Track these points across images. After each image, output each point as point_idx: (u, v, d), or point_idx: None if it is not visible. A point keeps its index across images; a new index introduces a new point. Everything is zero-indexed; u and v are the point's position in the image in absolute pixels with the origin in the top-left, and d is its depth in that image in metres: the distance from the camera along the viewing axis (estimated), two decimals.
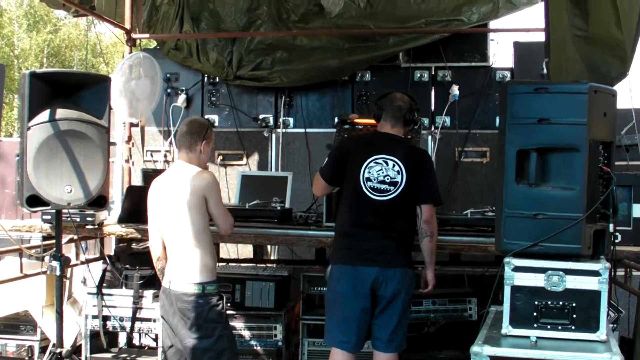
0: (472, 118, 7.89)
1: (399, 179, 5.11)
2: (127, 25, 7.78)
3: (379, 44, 8.07)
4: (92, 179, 5.17)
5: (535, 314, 3.98)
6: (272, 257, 8.11)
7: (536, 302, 3.99)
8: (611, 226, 4.16)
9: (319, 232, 5.85)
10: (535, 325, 3.98)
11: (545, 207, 4.07)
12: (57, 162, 5.04)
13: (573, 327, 3.94)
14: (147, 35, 8.29)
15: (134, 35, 7.86)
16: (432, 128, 7.86)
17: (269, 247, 8.01)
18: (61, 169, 5.05)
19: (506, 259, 4.07)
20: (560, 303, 3.95)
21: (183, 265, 4.96)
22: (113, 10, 8.10)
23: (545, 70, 5.93)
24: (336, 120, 7.80)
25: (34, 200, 5.01)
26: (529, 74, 7.74)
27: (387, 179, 5.12)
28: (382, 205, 5.13)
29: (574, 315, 3.94)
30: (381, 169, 5.13)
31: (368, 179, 5.14)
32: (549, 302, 3.97)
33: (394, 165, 5.13)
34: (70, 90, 5.15)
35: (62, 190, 5.06)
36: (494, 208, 5.93)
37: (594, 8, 5.31)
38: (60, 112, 5.03)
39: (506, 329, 4.01)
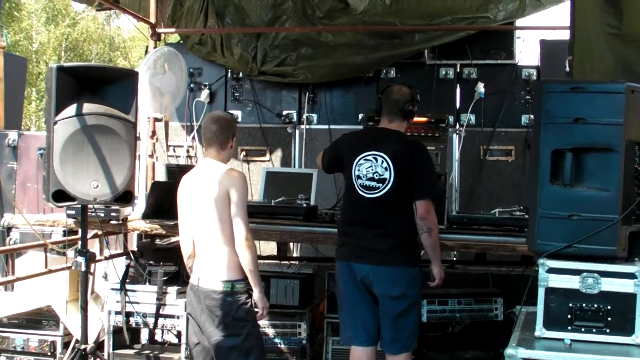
0: (498, 116, 7.86)
1: (387, 175, 5.06)
2: (152, 20, 7.77)
3: (404, 41, 8.05)
4: (119, 175, 5.15)
5: (569, 316, 3.93)
6: (294, 255, 8.08)
7: (570, 305, 3.94)
8: None
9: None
10: (569, 327, 3.93)
11: (580, 208, 4.01)
12: (84, 157, 5.01)
13: (608, 330, 3.89)
14: (172, 30, 8.29)
15: (159, 30, 7.86)
16: (457, 126, 7.82)
17: (291, 244, 7.98)
18: (88, 164, 5.03)
19: (540, 260, 4.03)
20: (595, 306, 3.90)
21: (212, 263, 4.94)
22: (137, 4, 8.08)
23: (568, 68, 5.87)
24: (360, 116, 7.86)
25: (60, 195, 4.98)
26: (555, 72, 7.67)
27: (376, 175, 5.08)
28: (372, 202, 5.10)
29: (609, 318, 3.89)
30: (370, 166, 5.11)
31: (358, 177, 5.14)
32: (584, 305, 3.92)
33: (382, 162, 5.09)
34: (97, 85, 5.12)
35: (88, 185, 5.03)
36: (522, 207, 5.92)
37: (628, 6, 5.25)
38: (87, 107, 5.00)
39: (540, 331, 3.97)
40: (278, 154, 8.20)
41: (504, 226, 5.82)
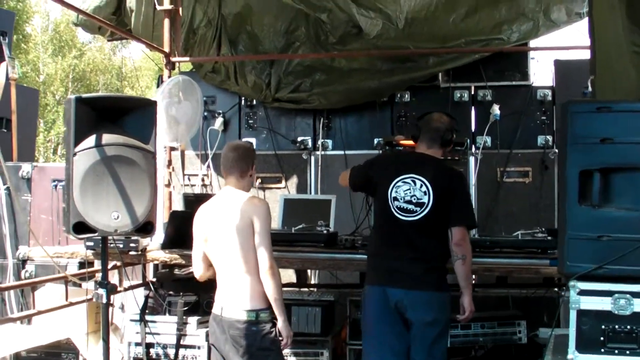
0: (514, 138, 7.86)
1: (425, 199, 5.05)
2: (166, 49, 7.77)
3: (418, 65, 8.07)
4: (139, 205, 5.11)
5: (602, 338, 3.89)
6: (312, 281, 8.05)
7: (603, 327, 3.90)
8: None
9: (364, 256, 5.76)
10: (602, 350, 3.88)
11: (610, 228, 3.98)
12: (104, 187, 4.96)
13: None
14: (187, 59, 8.29)
15: (173, 59, 7.85)
16: (473, 149, 7.79)
17: (309, 271, 7.95)
18: (108, 195, 4.98)
19: (571, 283, 3.99)
20: (628, 327, 3.86)
21: (235, 292, 4.91)
22: (150, 34, 8.08)
23: (590, 88, 5.86)
24: (376, 141, 7.88)
25: (81, 227, 4.93)
26: (571, 92, 7.66)
27: (414, 199, 5.06)
28: (408, 225, 5.07)
29: None
30: (409, 189, 5.09)
31: (395, 199, 5.10)
32: (617, 326, 3.88)
33: (421, 186, 5.07)
34: (116, 115, 5.09)
35: (109, 216, 4.99)
36: (543, 229, 5.88)
37: None
38: (106, 137, 4.96)
39: (572, 354, 3.92)
40: (294, 181, 8.19)
41: (527, 248, 5.79)
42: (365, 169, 5.42)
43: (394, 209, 5.10)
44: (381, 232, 5.22)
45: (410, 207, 5.06)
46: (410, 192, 5.08)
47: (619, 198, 4.01)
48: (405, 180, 5.12)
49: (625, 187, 4.00)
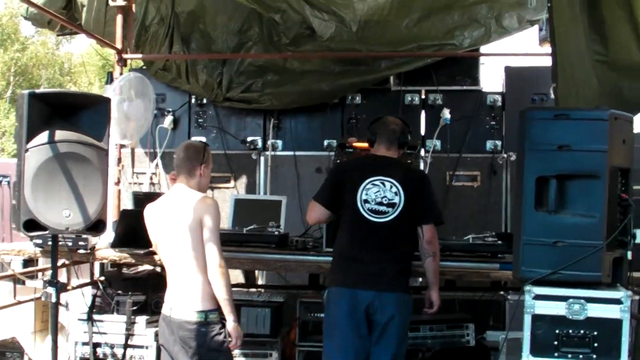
0: (463, 142, 7.89)
1: (397, 200, 5.08)
2: (118, 45, 7.67)
3: (370, 68, 8.07)
4: (91, 203, 5.04)
5: (556, 342, 3.96)
6: (260, 282, 8.01)
7: (557, 331, 3.96)
8: (629, 253, 4.14)
9: (319, 258, 5.76)
10: (556, 354, 3.95)
11: (565, 234, 4.06)
12: (56, 185, 4.89)
13: (594, 356, 3.93)
14: (139, 56, 8.19)
15: (125, 56, 7.76)
16: (423, 152, 7.83)
17: (256, 271, 7.91)
18: (60, 193, 4.90)
19: (526, 287, 4.05)
20: (582, 332, 3.93)
21: (185, 293, 4.86)
22: (101, 30, 7.97)
23: (552, 95, 5.90)
24: (326, 142, 7.89)
25: (31, 225, 4.85)
26: (520, 99, 7.79)
27: (385, 200, 5.09)
28: (380, 227, 5.09)
29: (596, 344, 3.93)
30: (379, 191, 5.11)
31: (366, 201, 5.11)
32: (570, 331, 3.95)
33: (391, 187, 5.11)
34: (70, 112, 5.01)
35: (60, 214, 4.91)
36: (493, 233, 5.94)
37: (612, 33, 5.26)
38: (60, 134, 4.89)
39: (527, 357, 3.98)
40: (243, 181, 8.13)
41: (477, 252, 5.82)
42: (331, 181, 5.38)
43: (364, 211, 5.11)
44: (351, 235, 5.18)
45: (382, 208, 5.09)
46: (380, 194, 5.10)
47: (575, 204, 4.08)
48: (374, 182, 5.14)
49: (580, 193, 4.08)
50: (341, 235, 5.27)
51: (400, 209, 5.08)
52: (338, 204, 5.26)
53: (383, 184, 5.12)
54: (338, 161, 6.32)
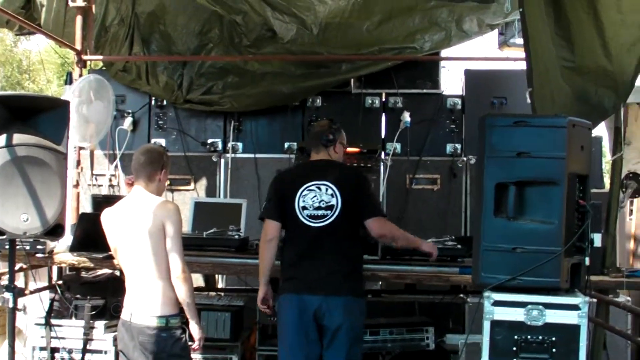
0: (423, 145, 7.91)
1: (334, 202, 5.12)
2: (78, 46, 7.60)
3: (331, 70, 8.07)
4: (49, 207, 4.97)
5: (514, 348, 3.99)
6: (220, 286, 7.98)
7: (516, 337, 4.00)
8: (587, 259, 4.19)
9: (278, 262, 5.73)
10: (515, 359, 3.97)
11: (524, 240, 4.09)
12: (13, 189, 4.82)
13: None
14: (99, 57, 8.11)
15: (84, 57, 7.69)
16: (383, 155, 7.83)
17: (216, 275, 7.88)
18: (17, 197, 4.83)
19: (485, 293, 4.07)
20: (540, 337, 3.97)
21: (145, 298, 4.83)
22: (61, 30, 7.89)
23: (528, 100, 5.86)
24: (286, 145, 7.90)
25: None
26: (480, 102, 7.86)
27: (323, 204, 5.13)
28: (321, 231, 5.13)
29: (554, 350, 3.96)
30: (315, 195, 5.16)
31: (304, 208, 5.16)
32: (529, 337, 3.99)
33: (327, 189, 5.15)
34: (28, 114, 4.93)
35: (18, 219, 4.84)
36: (453, 237, 5.97)
37: (578, 38, 5.31)
38: (18, 137, 4.81)
39: None
40: (203, 183, 8.09)
41: (437, 256, 5.84)
42: (272, 191, 5.42)
43: (304, 217, 5.15)
44: (295, 243, 5.23)
45: (320, 212, 5.12)
46: (317, 198, 5.14)
47: (533, 211, 4.12)
48: (310, 188, 5.18)
49: (539, 200, 4.12)
50: (287, 245, 5.31)
51: (338, 210, 5.12)
52: (284, 213, 5.30)
53: (319, 188, 5.17)
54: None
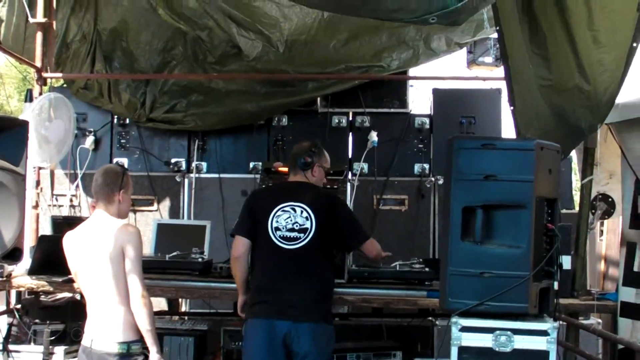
0: (391, 165, 7.92)
1: (308, 225, 5.11)
2: (38, 64, 7.55)
3: (297, 89, 8.07)
4: (7, 231, 4.96)
5: None
6: (184, 309, 7.93)
7: None
8: (555, 284, 4.20)
9: None
10: None
11: (492, 265, 4.10)
12: None
13: None
14: (59, 75, 8.03)
15: (45, 75, 7.63)
16: (350, 175, 7.83)
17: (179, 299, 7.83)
18: None
19: (453, 319, 4.07)
20: None
21: (106, 323, 4.76)
22: (21, 46, 7.85)
23: (512, 118, 5.81)
24: (251, 165, 7.87)
25: None
26: (448, 121, 7.89)
27: (296, 226, 5.12)
28: (293, 254, 5.11)
29: None
30: (289, 217, 5.14)
31: (277, 229, 5.14)
32: None
33: (302, 212, 5.15)
34: None
35: None
36: (421, 260, 5.96)
37: (554, 56, 5.26)
38: None
39: None
40: (166, 204, 8.05)
41: (404, 279, 5.85)
42: (246, 209, 5.39)
43: (276, 239, 5.12)
44: (266, 265, 5.19)
45: (294, 234, 5.10)
46: (291, 220, 5.12)
47: (501, 235, 4.13)
48: (285, 209, 5.17)
49: (507, 224, 4.13)
50: (256, 267, 5.28)
51: (312, 233, 5.11)
52: (254, 234, 5.27)
53: (293, 209, 5.16)
54: (264, 185, 6.31)
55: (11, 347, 6.00)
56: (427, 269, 5.77)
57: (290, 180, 5.47)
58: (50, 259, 5.72)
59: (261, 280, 5.18)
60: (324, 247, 5.19)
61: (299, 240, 5.10)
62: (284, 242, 5.11)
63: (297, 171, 5.42)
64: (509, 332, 3.98)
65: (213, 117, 8.07)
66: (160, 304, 7.67)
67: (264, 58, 8.11)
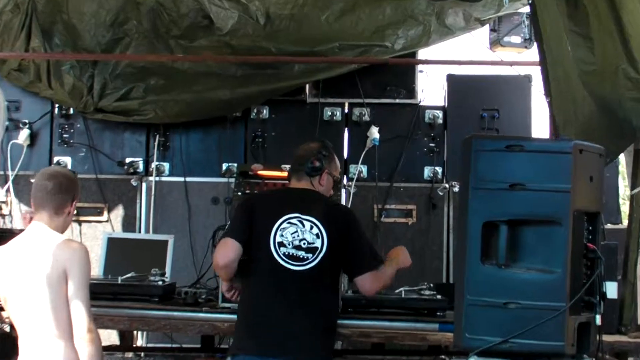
0: (396, 168, 7.95)
1: (318, 243, 5.10)
2: None
3: (281, 72, 8.01)
4: None
5: None
6: (140, 343, 7.92)
7: None
8: (598, 318, 4.18)
9: (213, 315, 5.72)
10: None
11: (519, 294, 4.07)
12: None
13: None
14: None
15: None
16: (345, 180, 7.84)
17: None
18: None
19: (470, 359, 4.06)
20: None
21: None
22: None
23: (549, 111, 5.77)
24: (225, 166, 7.85)
25: None
26: (466, 115, 7.90)
27: (304, 243, 5.10)
28: (299, 277, 5.09)
29: None
30: (296, 231, 5.11)
31: (281, 244, 5.10)
32: None
33: (311, 227, 5.12)
34: None
35: None
36: (431, 284, 5.96)
37: (597, 35, 5.18)
38: None
39: None
40: (119, 213, 8.05)
41: (411, 309, 5.85)
42: (242, 212, 5.36)
43: (279, 256, 5.09)
44: (262, 286, 5.16)
45: (301, 253, 5.09)
46: (298, 236, 5.11)
47: (531, 257, 4.11)
48: (291, 221, 5.15)
49: (537, 243, 4.11)
50: (249, 288, 5.25)
51: (322, 254, 5.09)
52: (249, 244, 5.22)
53: (302, 223, 5.14)
54: (240, 193, 6.29)
55: None
56: (439, 297, 5.78)
57: (293, 186, 5.45)
58: None
59: (255, 305, 5.16)
60: (334, 272, 5.20)
61: (307, 261, 5.09)
62: (289, 261, 5.09)
63: (302, 176, 5.40)
64: None
65: (177, 106, 8.00)
66: (111, 337, 7.65)
67: (240, 32, 7.97)
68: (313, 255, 5.09)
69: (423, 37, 8.00)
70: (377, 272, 5.27)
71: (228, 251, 5.18)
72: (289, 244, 5.10)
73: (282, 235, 5.11)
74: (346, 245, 5.18)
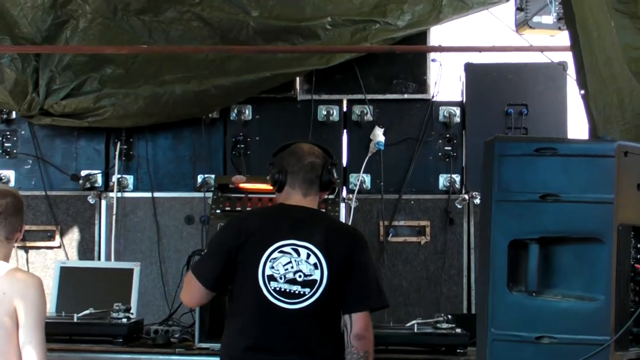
0: (405, 177, 7.95)
1: (317, 275, 5.05)
2: None
3: (265, 59, 7.79)
4: None
5: None
6: None
7: None
8: None
9: (189, 358, 5.78)
10: None
11: (553, 326, 4.07)
12: None
13: None
14: None
15: None
16: (345, 192, 7.86)
17: None
18: None
19: None
20: None
21: None
22: None
23: (584, 107, 5.70)
24: (200, 178, 7.82)
25: None
26: (488, 112, 7.87)
27: (300, 276, 5.05)
28: (293, 316, 5.06)
29: None
30: (290, 262, 5.05)
31: (271, 277, 5.05)
32: None
33: (308, 256, 5.07)
34: None
35: None
36: (449, 316, 5.98)
37: None
38: None
39: None
40: (74, 237, 8.02)
41: (426, 345, 5.88)
42: (221, 241, 5.33)
43: (269, 293, 5.05)
44: (249, 328, 5.13)
45: (296, 288, 5.04)
46: (292, 267, 5.05)
47: (567, 281, 4.11)
48: (284, 249, 5.08)
49: (575, 265, 4.10)
50: (233, 329, 5.22)
51: (322, 288, 5.05)
52: (227, 281, 5.21)
53: (296, 251, 5.08)
54: (219, 210, 6.29)
55: None
56: (458, 331, 5.80)
57: (292, 203, 5.33)
58: None
59: (241, 352, 5.13)
60: (335, 309, 5.16)
61: (303, 298, 5.04)
62: (281, 298, 5.04)
63: (311, 190, 5.33)
64: None
65: (139, 103, 7.81)
66: None
67: (214, 1, 7.75)
68: (311, 290, 5.04)
69: (433, 13, 7.81)
70: (370, 319, 5.21)
71: (195, 296, 5.28)
72: (281, 278, 5.04)
73: (272, 267, 5.05)
74: (348, 274, 5.13)
